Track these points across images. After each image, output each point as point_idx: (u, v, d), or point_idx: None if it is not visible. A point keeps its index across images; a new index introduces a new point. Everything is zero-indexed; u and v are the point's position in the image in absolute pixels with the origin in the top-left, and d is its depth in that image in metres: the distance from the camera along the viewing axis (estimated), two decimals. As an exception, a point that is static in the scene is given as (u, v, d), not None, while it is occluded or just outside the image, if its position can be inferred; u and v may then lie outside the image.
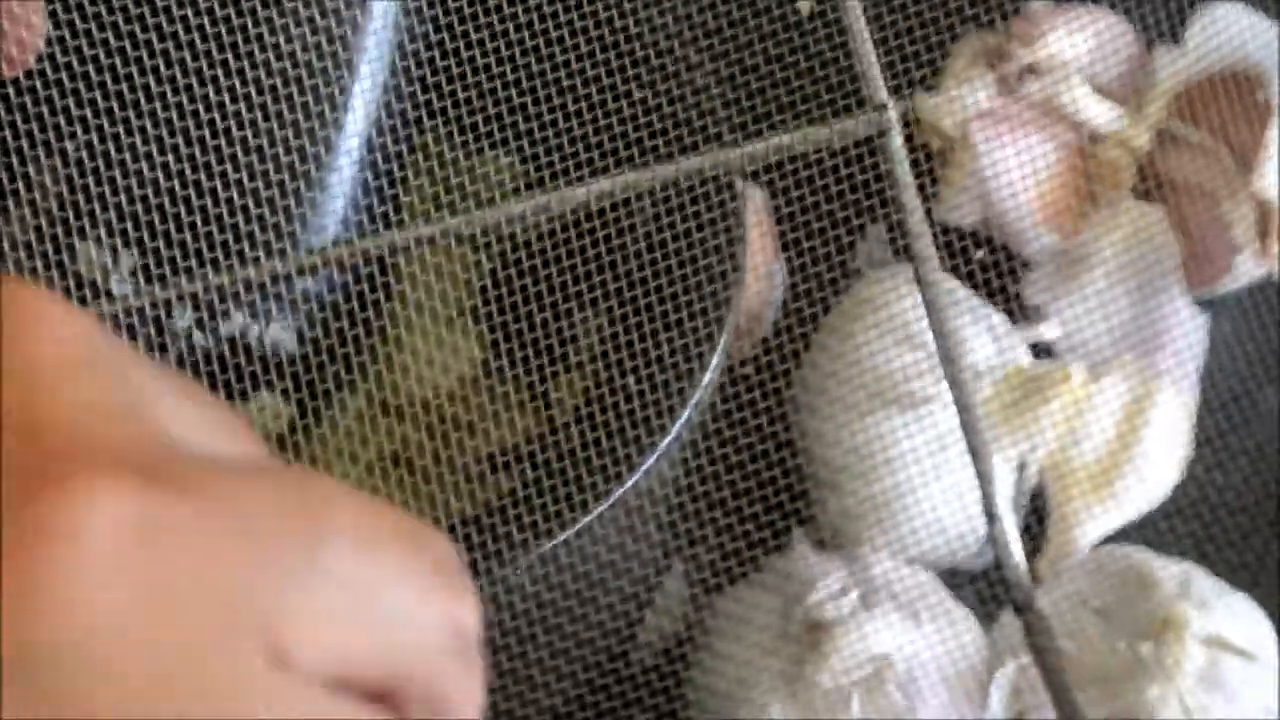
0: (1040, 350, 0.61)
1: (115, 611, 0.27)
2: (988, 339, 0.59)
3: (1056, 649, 0.53)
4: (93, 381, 0.29)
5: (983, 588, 0.58)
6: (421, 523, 0.31)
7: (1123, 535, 0.60)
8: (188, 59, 0.50)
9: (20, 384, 0.28)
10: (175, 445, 0.29)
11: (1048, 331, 0.61)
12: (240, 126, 0.51)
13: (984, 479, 0.53)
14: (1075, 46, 0.62)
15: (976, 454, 0.53)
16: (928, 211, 0.53)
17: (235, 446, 0.30)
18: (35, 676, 0.26)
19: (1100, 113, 0.62)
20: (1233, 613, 0.56)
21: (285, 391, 0.53)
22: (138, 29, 0.50)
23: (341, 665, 0.29)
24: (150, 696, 0.26)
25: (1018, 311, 0.61)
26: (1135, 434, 0.60)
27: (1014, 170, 0.60)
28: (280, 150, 0.51)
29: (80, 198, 0.51)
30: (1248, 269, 0.62)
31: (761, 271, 0.59)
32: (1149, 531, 0.60)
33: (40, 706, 0.26)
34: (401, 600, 0.30)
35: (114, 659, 0.26)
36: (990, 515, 0.53)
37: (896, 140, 0.52)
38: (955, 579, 0.58)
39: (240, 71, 0.50)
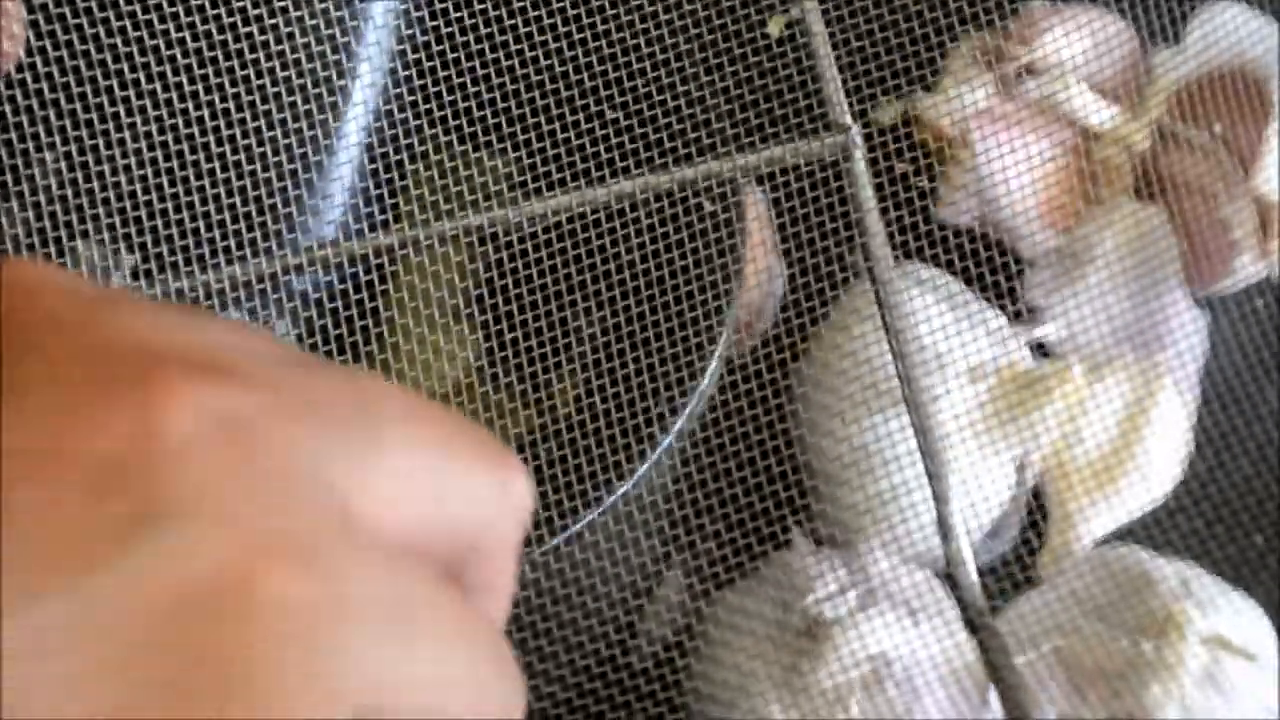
0: (1040, 350, 0.61)
1: (211, 485, 0.28)
2: (987, 339, 0.59)
3: (1012, 667, 0.53)
4: (127, 308, 0.30)
5: (983, 587, 0.58)
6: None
7: (1123, 534, 0.60)
8: (189, 62, 0.50)
9: (68, 313, 0.29)
10: (228, 348, 0.30)
11: (1047, 331, 0.61)
12: (240, 130, 0.51)
13: (939, 499, 0.53)
14: (1074, 46, 0.62)
15: (933, 475, 0.53)
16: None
17: (275, 349, 0.31)
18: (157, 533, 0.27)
19: (1099, 112, 0.62)
20: (1233, 612, 0.56)
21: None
22: (141, 32, 0.50)
23: (412, 537, 0.30)
24: (245, 559, 0.27)
25: (1017, 311, 0.61)
26: (1135, 433, 0.60)
27: (1013, 170, 0.60)
28: (279, 154, 0.51)
29: (81, 199, 0.51)
30: (1247, 268, 0.62)
31: (761, 271, 0.60)
32: (1149, 531, 0.60)
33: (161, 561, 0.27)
34: (457, 474, 0.31)
35: (214, 520, 0.28)
36: (944, 534, 0.54)
37: (859, 164, 0.52)
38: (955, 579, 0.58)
39: (240, 75, 0.50)
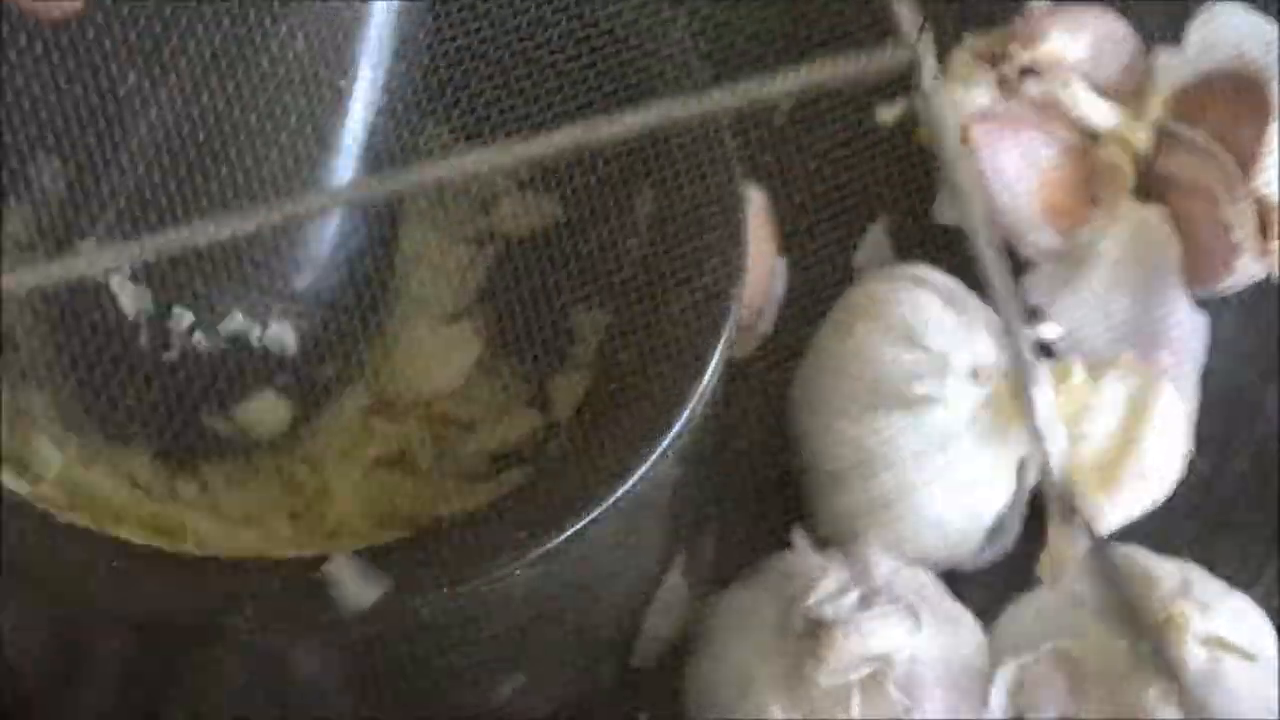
0: (1041, 350, 0.61)
1: None
2: (987, 339, 0.59)
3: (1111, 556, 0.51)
4: None
5: (983, 587, 0.58)
6: None
7: (1123, 534, 0.60)
8: (189, 57, 0.50)
9: None
10: None
11: (1048, 331, 0.61)
12: (240, 126, 0.51)
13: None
14: (1075, 47, 0.62)
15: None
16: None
17: None
18: None
19: (1100, 113, 0.63)
20: (1233, 613, 0.56)
21: (285, 390, 0.53)
22: (141, 26, 0.50)
23: None
24: None
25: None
26: (1136, 434, 0.60)
27: (1014, 170, 0.60)
28: (279, 149, 0.51)
29: (81, 197, 0.51)
30: (1247, 269, 0.62)
31: (762, 270, 0.60)
32: (1149, 531, 0.60)
33: None
34: None
35: None
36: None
37: (929, 75, 0.50)
38: (955, 579, 0.58)
39: (240, 70, 0.50)
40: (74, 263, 0.48)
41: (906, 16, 0.49)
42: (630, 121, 0.47)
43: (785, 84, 0.48)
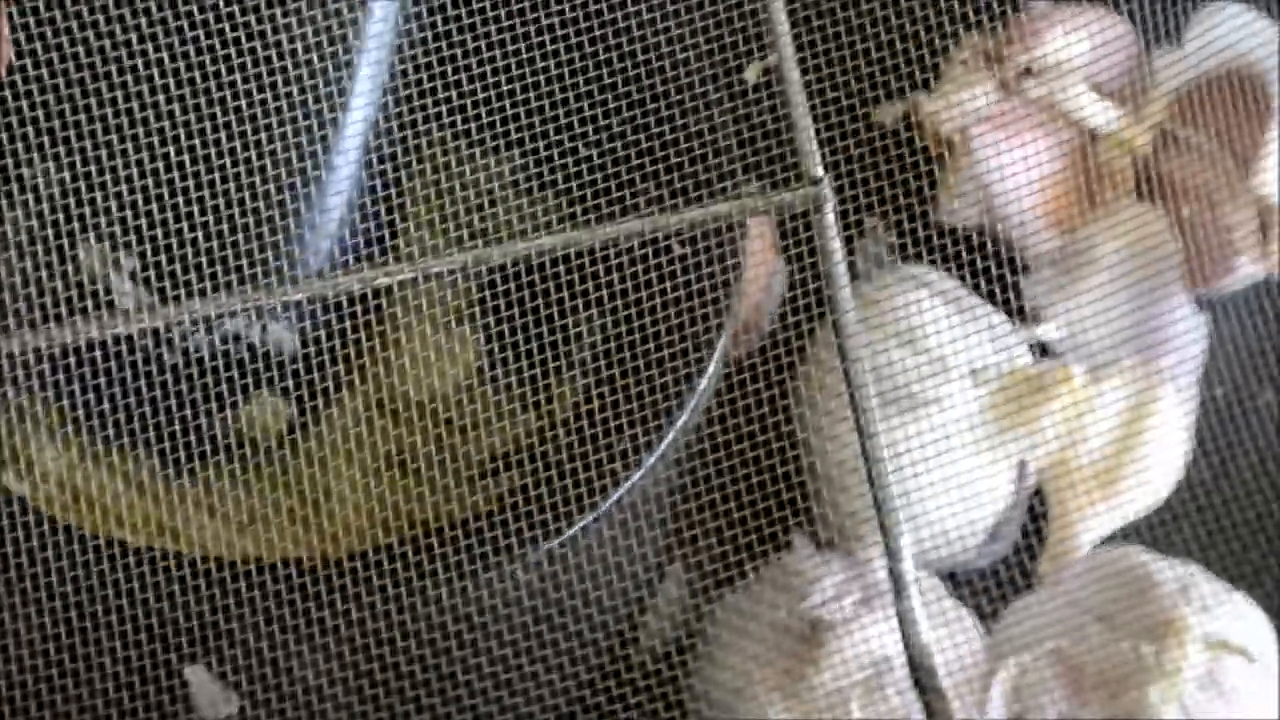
0: (1041, 351, 0.61)
1: None
2: (988, 340, 0.59)
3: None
4: None
5: (983, 587, 0.58)
6: None
7: (1123, 536, 0.60)
8: (189, 60, 0.50)
9: None
10: None
11: (1048, 333, 0.61)
12: (239, 127, 0.51)
13: (892, 555, 0.53)
14: (1075, 47, 0.62)
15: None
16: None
17: None
18: None
19: (1100, 113, 0.63)
20: (1234, 614, 0.56)
21: (285, 391, 0.53)
22: (140, 31, 0.50)
23: None
24: None
25: (1018, 313, 0.61)
26: (1136, 435, 0.60)
27: (1014, 171, 0.60)
28: (278, 152, 0.51)
29: (83, 205, 0.51)
30: (1248, 270, 0.62)
31: (762, 271, 0.60)
32: (1150, 532, 0.60)
33: None
34: None
35: None
36: (898, 590, 0.53)
37: (829, 216, 0.52)
38: (955, 579, 0.58)
39: (239, 72, 0.50)
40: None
41: (812, 155, 0.51)
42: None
43: (690, 217, 0.52)
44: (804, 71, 0.53)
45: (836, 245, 0.52)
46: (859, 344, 0.52)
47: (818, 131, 0.53)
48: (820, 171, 0.52)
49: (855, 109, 0.58)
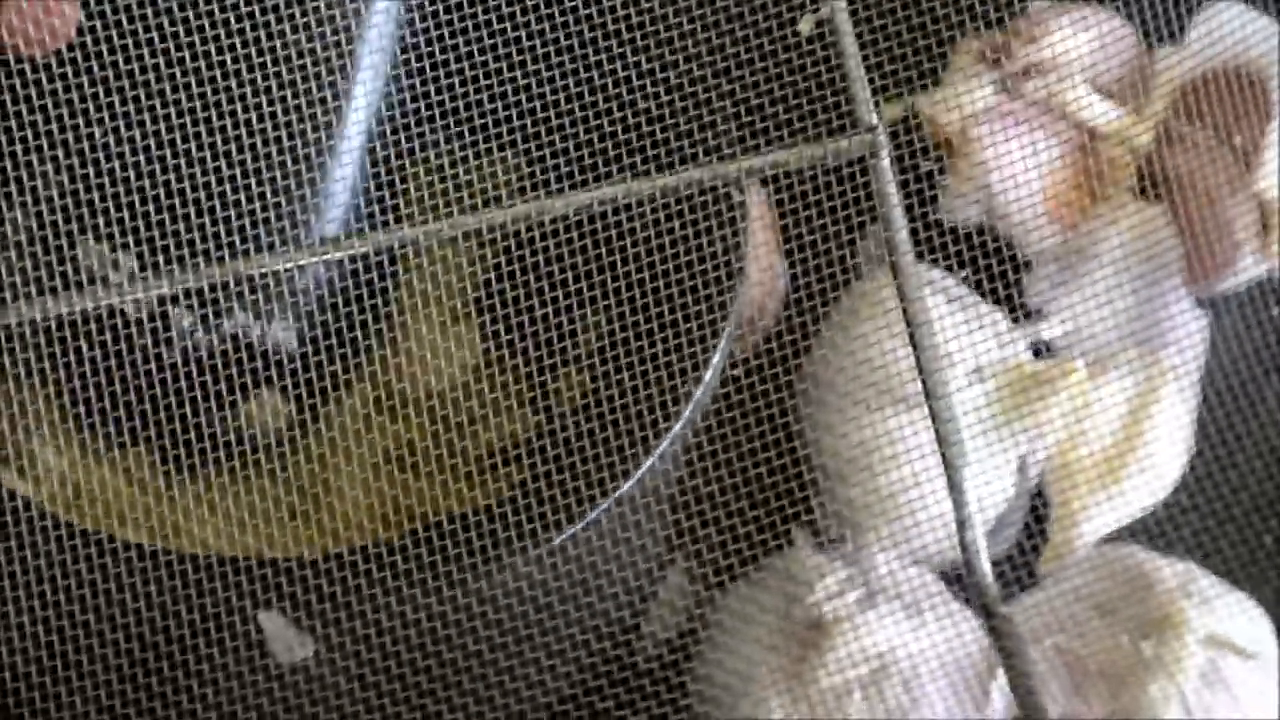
0: (1042, 349, 0.61)
1: None
2: (989, 337, 0.59)
3: (1025, 653, 0.53)
4: None
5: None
6: None
7: (1125, 533, 0.60)
8: (190, 56, 0.50)
9: None
10: None
11: (1049, 330, 0.61)
12: (241, 124, 0.51)
13: (954, 488, 0.53)
14: (1077, 46, 0.62)
15: (950, 464, 0.53)
16: (912, 232, 0.54)
17: None
18: None
19: (1102, 111, 0.63)
20: (1233, 611, 0.56)
21: (286, 389, 0.53)
22: (142, 28, 0.50)
23: None
24: None
25: (1019, 310, 0.61)
26: (1137, 432, 0.60)
27: (1016, 169, 0.60)
28: (279, 149, 0.51)
29: (83, 194, 0.51)
30: (1249, 266, 0.62)
31: (764, 269, 0.60)
32: (1151, 530, 0.60)
33: None
34: None
35: None
36: (960, 523, 0.53)
37: (885, 162, 0.53)
38: (955, 579, 0.58)
39: (241, 69, 0.50)
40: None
41: (865, 102, 0.51)
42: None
43: (748, 165, 0.52)
44: (855, 23, 0.54)
45: (893, 190, 0.53)
46: (919, 288, 0.52)
47: (870, 80, 0.53)
48: (875, 119, 0.53)
49: (905, 58, 0.59)
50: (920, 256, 0.61)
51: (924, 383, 0.53)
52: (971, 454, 0.58)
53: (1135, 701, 0.54)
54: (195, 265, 0.50)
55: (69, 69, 0.50)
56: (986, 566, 0.53)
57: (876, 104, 0.53)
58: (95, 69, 0.50)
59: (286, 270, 0.51)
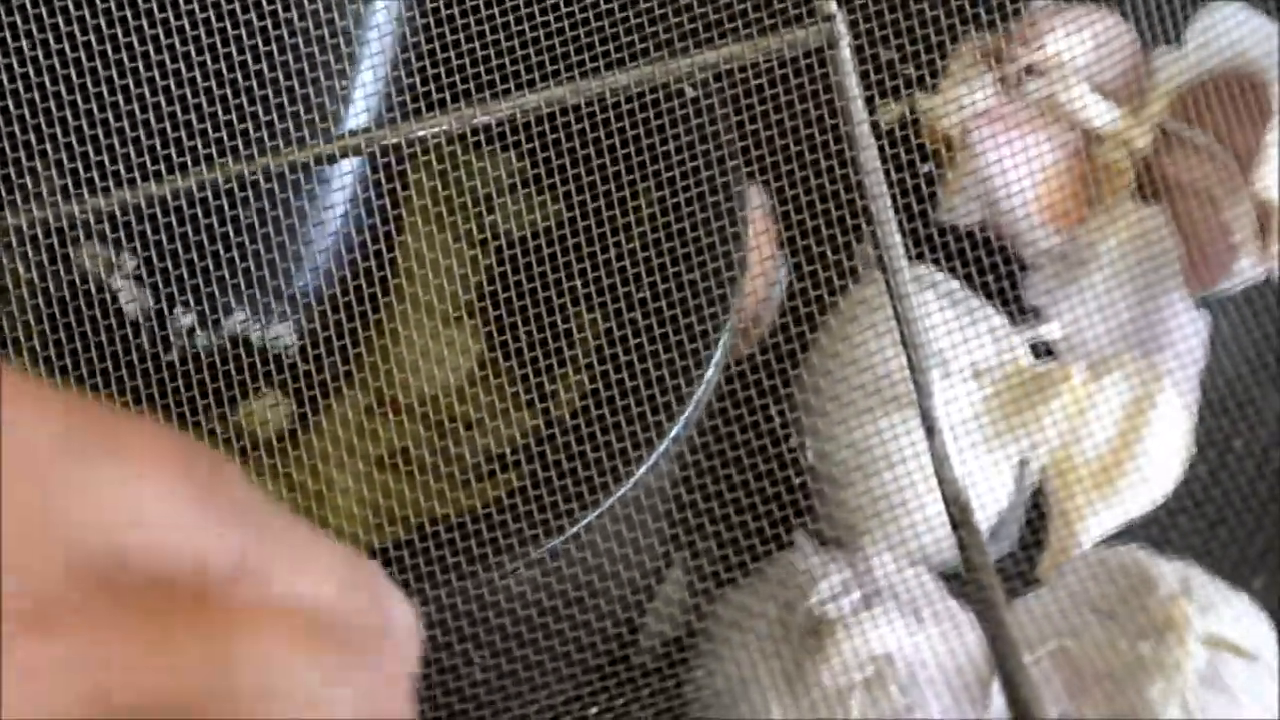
0: (1041, 351, 0.61)
1: None
2: (988, 339, 0.59)
3: (990, 566, 0.52)
4: None
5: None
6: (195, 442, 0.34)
7: (1124, 535, 0.60)
8: (189, 50, 0.50)
9: None
10: None
11: (1048, 332, 0.61)
12: (240, 119, 0.51)
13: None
14: (1076, 47, 0.62)
15: (916, 367, 0.52)
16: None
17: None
18: None
19: (1100, 113, 0.63)
20: (1233, 613, 0.56)
21: (287, 387, 0.53)
22: (141, 22, 0.50)
23: (118, 563, 0.31)
24: None
25: (1018, 312, 0.61)
26: (1136, 434, 0.60)
27: (1014, 171, 0.60)
28: (280, 143, 0.51)
29: (84, 195, 0.51)
30: (1248, 269, 0.62)
31: (762, 270, 0.60)
32: (1150, 531, 0.60)
33: None
34: (177, 514, 0.32)
35: None
36: (929, 429, 0.52)
37: (845, 52, 0.52)
38: (955, 579, 0.58)
39: (241, 64, 0.50)
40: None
41: None
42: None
43: (701, 60, 0.51)
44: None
45: (853, 81, 0.52)
46: (879, 182, 0.52)
47: None
48: (833, 7, 0.52)
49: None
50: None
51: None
52: (967, 456, 0.58)
53: (1135, 703, 0.54)
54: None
55: (70, 64, 0.50)
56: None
57: None
58: (92, 67, 0.50)
59: (284, 267, 0.50)
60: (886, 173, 0.54)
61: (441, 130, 0.50)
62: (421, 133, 0.50)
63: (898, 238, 0.52)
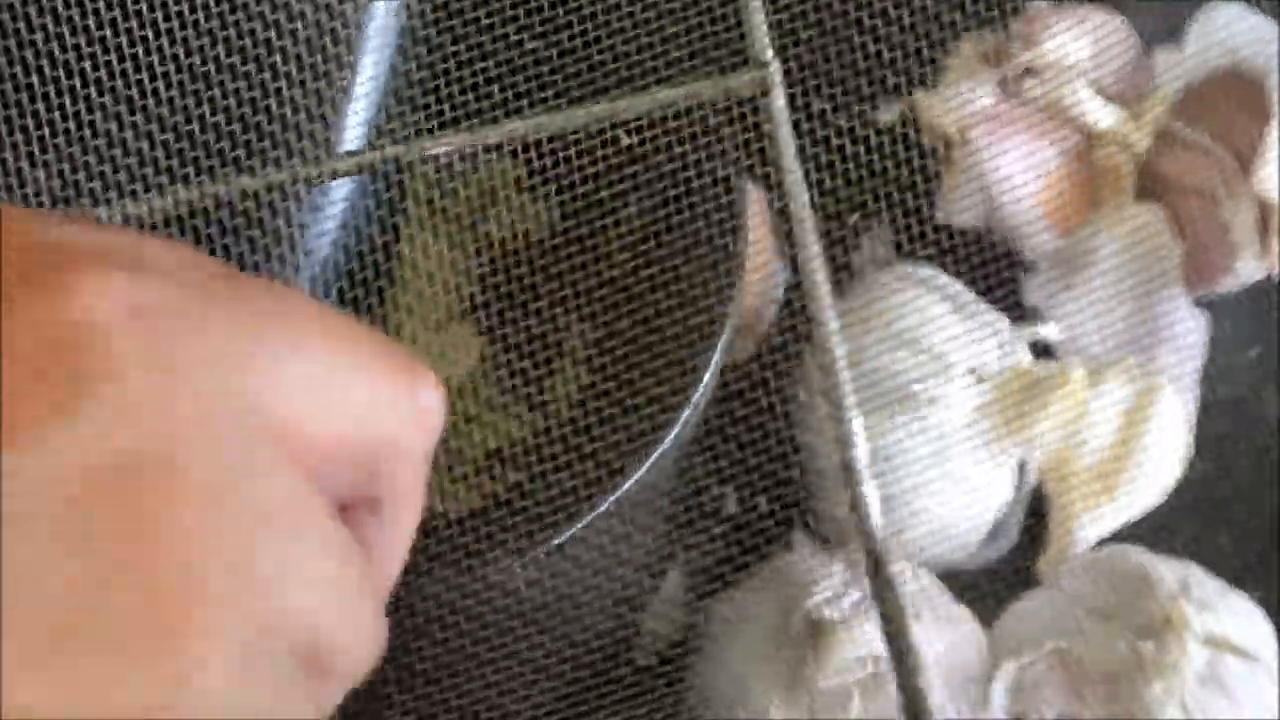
0: (1040, 351, 0.61)
1: (128, 367, 0.28)
2: (988, 340, 0.59)
3: (902, 614, 0.52)
4: (48, 217, 0.31)
5: (983, 587, 0.58)
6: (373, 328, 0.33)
7: (1123, 535, 0.60)
8: (189, 54, 0.50)
9: None
10: (146, 250, 0.31)
11: (1048, 332, 0.61)
12: (240, 125, 0.51)
13: (843, 443, 0.52)
14: (1076, 47, 0.62)
15: (839, 406, 0.52)
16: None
17: (198, 258, 0.32)
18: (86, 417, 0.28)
19: (1100, 113, 0.63)
20: (1233, 612, 0.56)
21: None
22: (140, 25, 0.50)
23: (324, 448, 0.30)
24: (163, 440, 0.28)
25: (1018, 312, 0.61)
26: (1136, 434, 0.60)
27: (1014, 171, 0.60)
28: (280, 150, 0.51)
29: (82, 194, 0.51)
30: (1247, 269, 0.62)
31: (762, 271, 0.60)
32: (1149, 531, 0.60)
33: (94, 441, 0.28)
34: (369, 384, 0.32)
35: (133, 399, 0.28)
36: (849, 481, 0.52)
37: (779, 100, 0.52)
38: (955, 579, 0.58)
39: (241, 69, 0.50)
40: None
41: (761, 39, 0.50)
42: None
43: (639, 105, 0.51)
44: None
45: (786, 131, 0.52)
46: (810, 231, 0.52)
47: (767, 15, 0.52)
48: (769, 55, 0.52)
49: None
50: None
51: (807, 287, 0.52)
52: (967, 457, 0.58)
53: (1134, 703, 0.54)
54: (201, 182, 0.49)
55: (71, 63, 0.50)
56: (878, 520, 0.52)
57: (773, 40, 0.52)
58: (92, 65, 0.50)
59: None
60: (884, 171, 0.54)
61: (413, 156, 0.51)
62: (393, 153, 0.50)
63: (826, 287, 0.52)
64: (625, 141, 0.53)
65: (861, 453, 0.52)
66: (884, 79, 0.58)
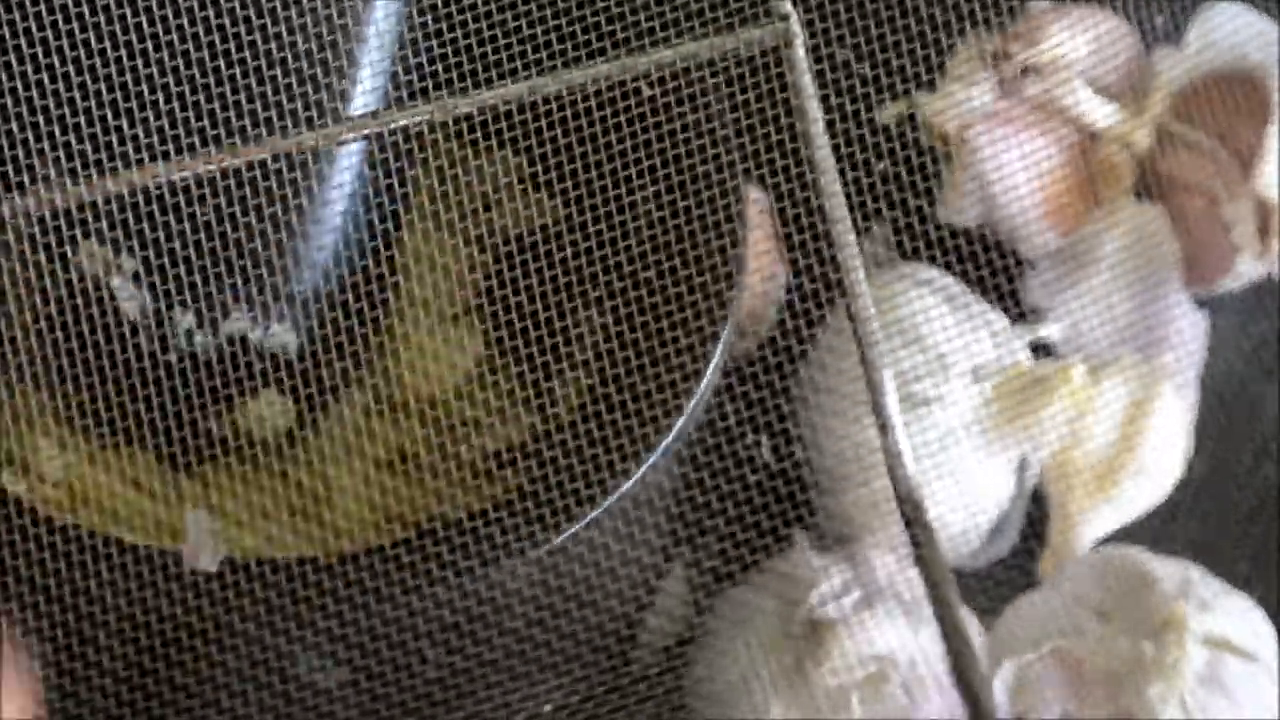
0: (1041, 350, 0.61)
1: None
2: (988, 339, 0.59)
3: (943, 562, 0.51)
4: None
5: (983, 587, 0.58)
6: None
7: (1123, 535, 0.60)
8: (189, 50, 0.50)
9: None
10: None
11: (1048, 332, 0.61)
12: (242, 119, 0.51)
13: (874, 388, 0.52)
14: (1076, 47, 0.62)
15: (870, 364, 0.52)
16: (829, 123, 0.53)
17: None
18: None
19: (1100, 113, 0.63)
20: (1233, 612, 0.56)
21: (286, 390, 0.53)
22: (142, 21, 0.50)
23: None
24: None
25: (1018, 311, 0.61)
26: (1136, 433, 0.60)
27: (1015, 171, 0.60)
28: (283, 145, 0.51)
29: (84, 194, 0.51)
30: (1247, 268, 0.62)
31: (764, 271, 0.60)
32: (1149, 531, 0.60)
33: None
34: None
35: None
36: (882, 427, 0.52)
37: (799, 51, 0.51)
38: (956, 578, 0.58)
39: (241, 63, 0.50)
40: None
41: None
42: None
43: (658, 58, 0.51)
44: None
45: (808, 81, 0.52)
46: (834, 181, 0.51)
47: None
48: (788, 6, 0.52)
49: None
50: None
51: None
52: (967, 456, 0.58)
53: (1135, 703, 0.54)
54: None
55: (71, 62, 0.50)
56: (911, 469, 0.52)
57: None
58: (92, 65, 0.50)
59: (283, 264, 0.51)
60: (884, 172, 0.54)
61: (424, 120, 0.50)
62: (404, 121, 0.50)
63: (852, 236, 0.52)
64: (643, 92, 0.53)
65: (901, 434, 0.52)
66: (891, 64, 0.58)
